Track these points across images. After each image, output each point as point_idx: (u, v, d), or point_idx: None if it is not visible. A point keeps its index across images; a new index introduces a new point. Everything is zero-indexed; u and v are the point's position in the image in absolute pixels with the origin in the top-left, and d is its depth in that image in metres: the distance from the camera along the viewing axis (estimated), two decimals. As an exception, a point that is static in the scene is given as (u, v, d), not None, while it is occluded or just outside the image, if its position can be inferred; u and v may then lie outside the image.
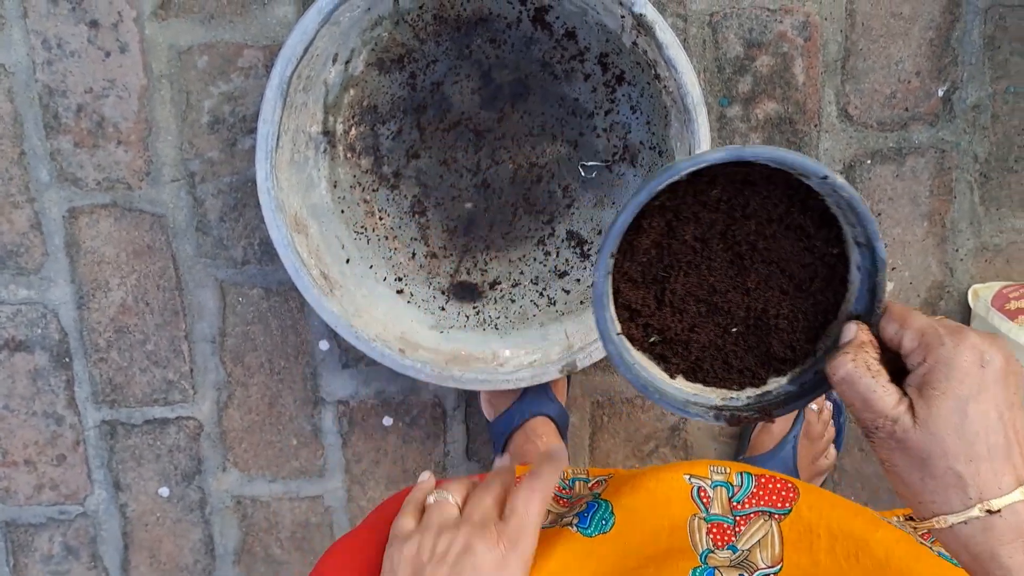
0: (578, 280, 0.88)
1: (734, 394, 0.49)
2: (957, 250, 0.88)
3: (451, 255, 0.89)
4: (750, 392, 0.49)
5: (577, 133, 0.84)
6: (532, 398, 0.85)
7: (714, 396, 0.49)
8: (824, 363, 0.44)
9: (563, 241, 0.87)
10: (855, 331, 0.43)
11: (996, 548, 0.37)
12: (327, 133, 0.83)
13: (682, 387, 0.49)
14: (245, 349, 0.90)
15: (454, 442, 0.93)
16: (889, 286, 0.49)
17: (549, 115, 0.84)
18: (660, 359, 0.50)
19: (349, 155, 0.85)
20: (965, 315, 0.89)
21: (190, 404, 0.91)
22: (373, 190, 0.87)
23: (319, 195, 0.84)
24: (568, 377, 0.90)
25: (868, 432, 0.42)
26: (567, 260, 0.88)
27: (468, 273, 0.89)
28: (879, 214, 0.87)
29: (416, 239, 0.88)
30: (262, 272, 0.88)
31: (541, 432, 0.84)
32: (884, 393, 0.40)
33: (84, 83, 0.83)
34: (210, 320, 0.89)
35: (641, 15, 0.75)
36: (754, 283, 0.48)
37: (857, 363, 0.41)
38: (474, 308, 0.89)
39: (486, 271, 0.89)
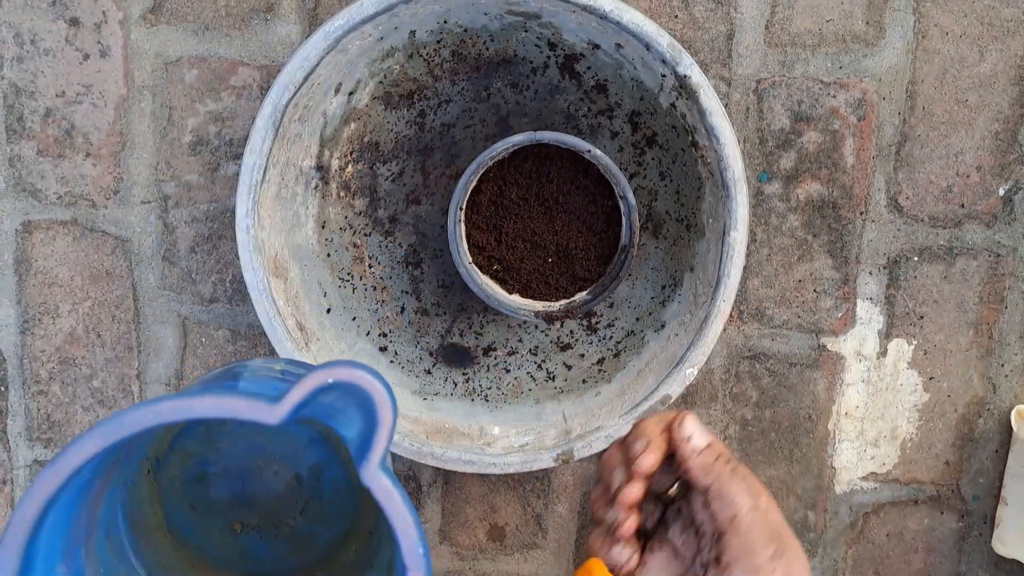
0: (582, 355, 0.79)
1: (552, 303, 0.73)
2: (1003, 365, 0.79)
3: (444, 314, 0.80)
4: (563, 302, 0.73)
5: (598, 196, 0.76)
6: None
7: (539, 305, 0.72)
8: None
9: (571, 313, 0.78)
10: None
11: None
12: (320, 168, 0.74)
13: (516, 300, 0.73)
14: (204, 396, 0.80)
15: (427, 522, 0.83)
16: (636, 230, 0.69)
17: (569, 173, 0.75)
18: (501, 282, 0.73)
19: (342, 194, 0.76)
20: (1006, 437, 0.80)
21: (136, 451, 0.81)
22: (365, 234, 0.78)
23: (304, 235, 0.75)
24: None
25: None
26: (572, 332, 0.79)
27: (461, 335, 0.80)
28: (921, 317, 0.78)
29: (407, 292, 0.79)
30: (231, 312, 0.79)
31: None
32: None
33: (56, 86, 0.75)
34: (167, 360, 0.79)
35: (686, 76, 0.67)
36: (560, 226, 0.71)
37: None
38: (463, 375, 0.80)
39: (481, 335, 0.80)
